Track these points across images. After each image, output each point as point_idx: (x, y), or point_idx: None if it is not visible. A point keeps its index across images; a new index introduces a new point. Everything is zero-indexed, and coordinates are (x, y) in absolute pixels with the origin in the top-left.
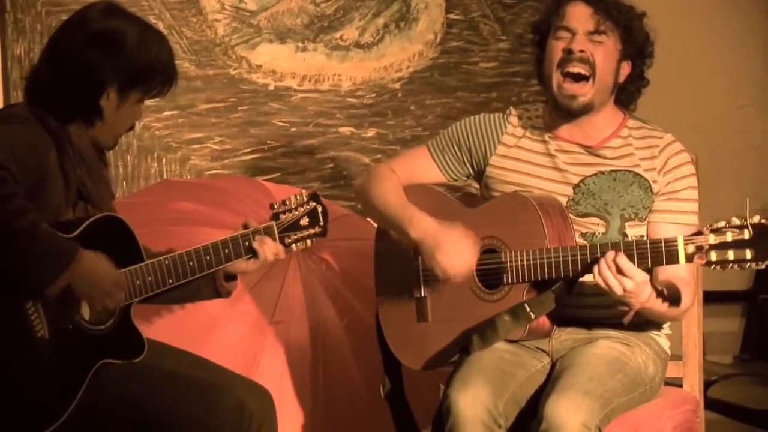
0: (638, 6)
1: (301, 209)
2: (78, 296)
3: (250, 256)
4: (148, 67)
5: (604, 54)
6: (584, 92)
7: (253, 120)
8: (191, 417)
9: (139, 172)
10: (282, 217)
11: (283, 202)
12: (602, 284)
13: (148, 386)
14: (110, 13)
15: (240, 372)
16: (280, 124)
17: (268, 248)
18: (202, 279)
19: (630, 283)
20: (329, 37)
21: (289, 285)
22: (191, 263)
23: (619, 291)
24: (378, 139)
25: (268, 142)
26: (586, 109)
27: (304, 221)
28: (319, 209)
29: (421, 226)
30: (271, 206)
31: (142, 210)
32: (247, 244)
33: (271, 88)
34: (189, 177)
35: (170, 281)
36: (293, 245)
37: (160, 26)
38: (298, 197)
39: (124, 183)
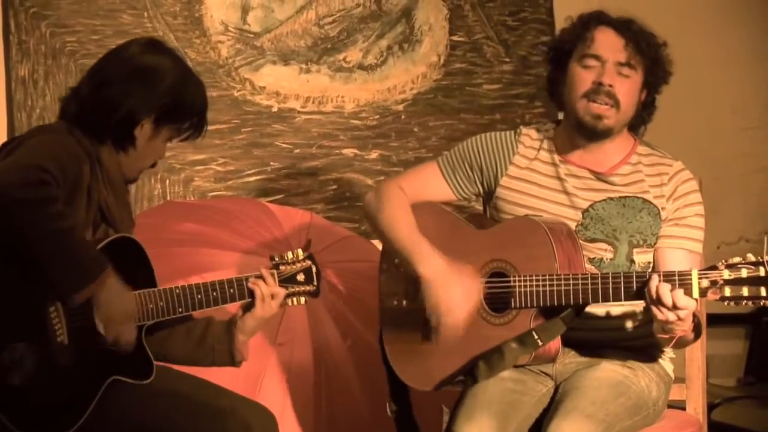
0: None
1: (298, 265)
2: (97, 315)
3: (250, 299)
4: (185, 106)
5: (630, 87)
6: (609, 116)
7: (256, 141)
8: None
9: (143, 193)
10: (282, 268)
11: (282, 256)
12: (657, 315)
13: (155, 409)
14: (154, 49)
15: (242, 394)
16: (284, 145)
17: (264, 288)
18: (217, 340)
19: (684, 312)
20: (333, 59)
21: (292, 306)
22: (199, 296)
23: (672, 317)
24: (381, 161)
25: (272, 163)
26: (607, 133)
27: (300, 277)
28: (314, 269)
29: (431, 265)
30: (271, 258)
31: (145, 231)
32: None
33: (275, 109)
34: (192, 198)
35: (180, 310)
36: (289, 299)
37: None
38: (294, 254)
39: None
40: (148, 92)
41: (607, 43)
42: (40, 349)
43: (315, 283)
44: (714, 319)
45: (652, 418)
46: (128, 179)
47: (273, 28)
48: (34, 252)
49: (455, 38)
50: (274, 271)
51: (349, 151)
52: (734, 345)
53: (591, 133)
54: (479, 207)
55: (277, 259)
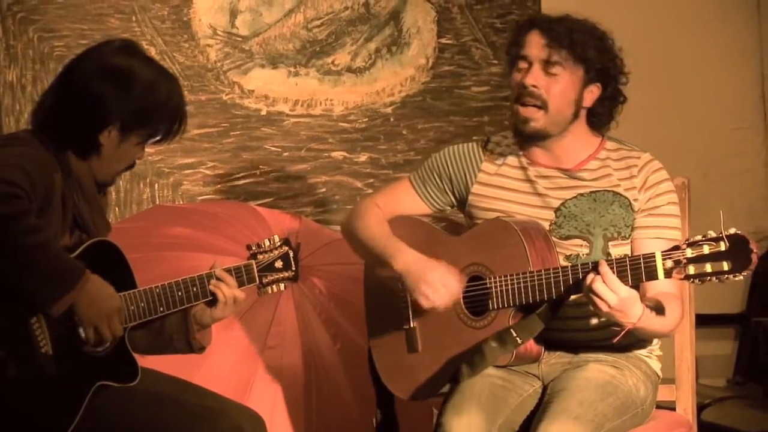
0: (624, 26)
1: (275, 252)
2: (79, 319)
3: (211, 298)
4: (155, 111)
5: (560, 87)
6: (536, 118)
7: (245, 145)
8: None
9: (132, 197)
10: (260, 257)
11: (258, 245)
12: (589, 299)
13: (145, 413)
14: (125, 51)
15: (233, 397)
16: (273, 148)
17: (227, 291)
18: (174, 331)
19: (613, 297)
20: (321, 62)
21: (282, 310)
22: (180, 293)
23: (604, 307)
24: (370, 164)
25: (261, 166)
26: (539, 135)
27: (278, 264)
28: (291, 254)
29: (404, 257)
30: (248, 247)
31: (134, 235)
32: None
33: (264, 112)
34: (181, 202)
35: (161, 309)
36: (269, 287)
37: (152, 51)
38: (271, 241)
39: (117, 208)
40: (115, 98)
41: (532, 44)
42: (24, 361)
43: (293, 269)
44: (703, 320)
45: (641, 417)
46: (103, 183)
47: (261, 32)
48: (8, 267)
49: (443, 41)
50: (253, 262)
51: (338, 154)
52: (723, 345)
53: (526, 137)
54: (460, 215)
55: (254, 248)
